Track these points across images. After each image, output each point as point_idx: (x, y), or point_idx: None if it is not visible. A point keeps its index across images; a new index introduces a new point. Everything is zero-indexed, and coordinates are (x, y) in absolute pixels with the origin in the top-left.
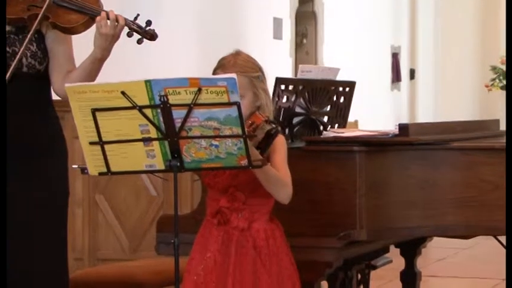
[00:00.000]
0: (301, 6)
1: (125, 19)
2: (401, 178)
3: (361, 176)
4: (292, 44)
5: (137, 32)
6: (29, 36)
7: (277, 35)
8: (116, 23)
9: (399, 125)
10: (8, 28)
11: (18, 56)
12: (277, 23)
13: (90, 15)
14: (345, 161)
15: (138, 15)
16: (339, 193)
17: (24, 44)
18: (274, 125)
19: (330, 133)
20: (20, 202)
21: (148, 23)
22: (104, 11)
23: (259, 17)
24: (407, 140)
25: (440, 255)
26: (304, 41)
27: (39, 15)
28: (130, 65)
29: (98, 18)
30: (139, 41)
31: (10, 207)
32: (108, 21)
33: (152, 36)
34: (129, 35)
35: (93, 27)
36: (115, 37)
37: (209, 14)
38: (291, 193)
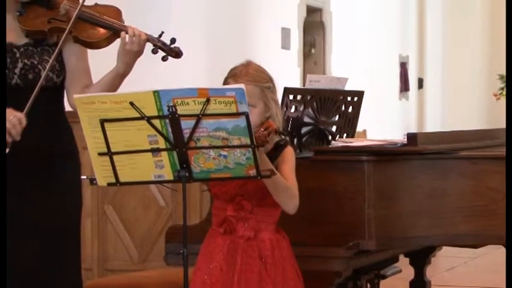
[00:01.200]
0: (309, 16)
1: (149, 36)
2: (410, 187)
3: (370, 186)
4: (300, 53)
5: (162, 49)
6: (56, 51)
7: (286, 45)
8: (140, 40)
9: (408, 134)
10: (26, 40)
11: (45, 72)
12: (286, 33)
13: (113, 30)
14: (354, 171)
15: (162, 32)
16: (347, 203)
17: (52, 58)
18: (283, 136)
19: (339, 143)
20: (34, 212)
21: (173, 40)
22: (129, 27)
23: (267, 27)
24: (416, 150)
25: (450, 264)
26: (313, 50)
27: (66, 31)
28: (138, 75)
29: (122, 34)
30: (164, 58)
31: (24, 214)
32: (134, 37)
33: (177, 54)
34: (154, 51)
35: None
36: (139, 53)
37: (218, 24)
38: (298, 204)
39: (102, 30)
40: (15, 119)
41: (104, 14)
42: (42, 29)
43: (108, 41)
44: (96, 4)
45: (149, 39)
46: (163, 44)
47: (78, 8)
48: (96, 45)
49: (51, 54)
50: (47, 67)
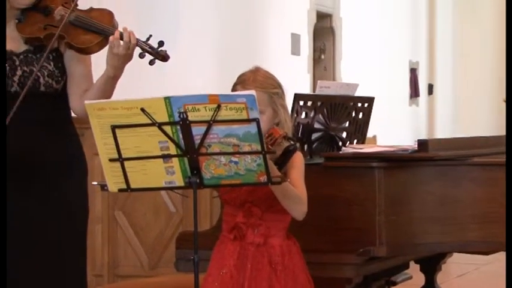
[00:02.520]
0: (319, 21)
1: (137, 39)
2: (421, 194)
3: (381, 192)
4: (310, 59)
5: (149, 52)
6: (44, 55)
7: (295, 50)
8: (128, 43)
9: (418, 140)
10: (26, 47)
11: (33, 76)
12: (295, 38)
13: (104, 35)
14: (364, 177)
15: (150, 36)
16: (358, 209)
17: (40, 64)
18: (292, 142)
19: (349, 149)
20: (37, 223)
21: (161, 43)
22: (117, 30)
23: (277, 33)
24: (427, 156)
25: (461, 271)
26: (322, 56)
27: (55, 35)
28: (148, 82)
29: (111, 38)
30: (151, 62)
31: (26, 227)
32: (121, 41)
33: (164, 57)
34: (141, 56)
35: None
36: (127, 57)
37: (227, 30)
38: (306, 210)
39: (93, 36)
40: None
41: (97, 18)
42: (38, 36)
43: (100, 45)
44: (91, 8)
45: (137, 43)
46: (151, 47)
47: (67, 14)
48: (88, 50)
49: (51, 61)
50: (35, 70)
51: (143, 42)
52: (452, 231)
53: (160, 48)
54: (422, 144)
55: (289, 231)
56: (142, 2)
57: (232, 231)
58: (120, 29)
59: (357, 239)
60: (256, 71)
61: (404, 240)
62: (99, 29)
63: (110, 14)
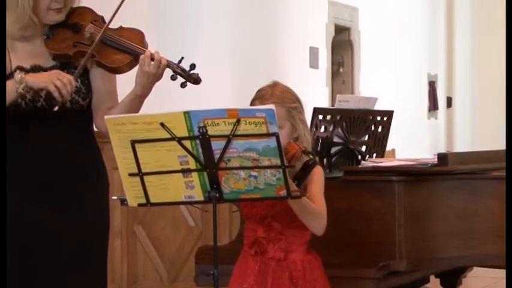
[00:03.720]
0: (337, 35)
1: (169, 61)
2: (440, 208)
3: (400, 206)
4: (328, 73)
5: (181, 75)
6: (75, 73)
7: (314, 64)
8: (159, 63)
9: (438, 154)
10: (53, 63)
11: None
12: (314, 52)
13: (134, 55)
14: (384, 191)
15: (182, 58)
16: (378, 223)
17: (74, 78)
18: (311, 156)
19: (369, 163)
20: (60, 236)
21: (192, 66)
22: (148, 50)
23: (295, 46)
24: (447, 170)
25: (480, 285)
26: (341, 69)
27: (87, 54)
28: (167, 96)
29: (141, 56)
30: (182, 85)
31: (50, 240)
32: (152, 61)
33: (195, 80)
34: (173, 78)
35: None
36: (157, 76)
37: (245, 43)
38: (325, 225)
39: (124, 56)
40: (65, 79)
41: (128, 37)
42: (67, 53)
43: (130, 66)
44: (121, 27)
45: (169, 65)
46: (183, 70)
47: (100, 33)
48: (118, 70)
49: (78, 77)
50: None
51: (175, 64)
52: (472, 245)
53: (192, 71)
54: (442, 158)
55: (309, 246)
56: (162, 17)
57: (253, 246)
58: (151, 50)
59: (377, 253)
60: (274, 85)
61: (424, 254)
62: (130, 49)
63: (140, 34)
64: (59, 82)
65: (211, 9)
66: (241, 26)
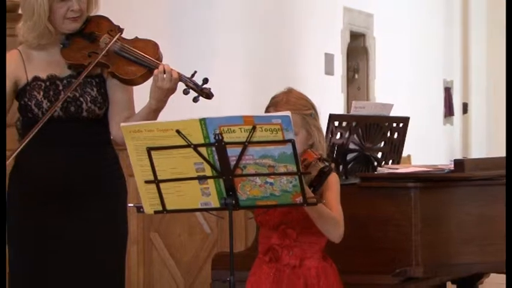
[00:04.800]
0: (352, 41)
1: (181, 75)
2: (457, 214)
3: (417, 212)
4: (344, 79)
5: (193, 89)
6: (79, 80)
7: (329, 70)
8: (172, 78)
9: (455, 160)
10: (69, 72)
11: (60, 102)
12: (329, 58)
13: (148, 68)
14: (400, 197)
15: (195, 72)
16: (394, 229)
17: (69, 90)
18: (327, 163)
19: (385, 169)
20: (80, 245)
21: (205, 80)
22: (161, 64)
23: (310, 53)
24: (463, 176)
25: None
26: (356, 76)
27: (95, 61)
28: (181, 105)
29: (155, 71)
30: (195, 99)
31: (70, 248)
32: (165, 75)
33: (208, 95)
34: (185, 92)
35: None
36: (170, 90)
37: (260, 50)
38: (343, 232)
39: (137, 68)
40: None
41: (142, 48)
42: (82, 63)
43: (144, 78)
44: (136, 38)
45: (181, 78)
46: (195, 84)
47: (111, 43)
48: (131, 82)
49: (94, 86)
50: (66, 94)
51: (187, 78)
52: (489, 251)
53: (204, 86)
54: (458, 164)
55: (325, 252)
56: (175, 25)
57: (268, 253)
58: (165, 62)
59: (393, 259)
60: (289, 92)
61: (441, 260)
62: (143, 61)
63: (155, 46)
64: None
65: (226, 17)
66: (256, 32)
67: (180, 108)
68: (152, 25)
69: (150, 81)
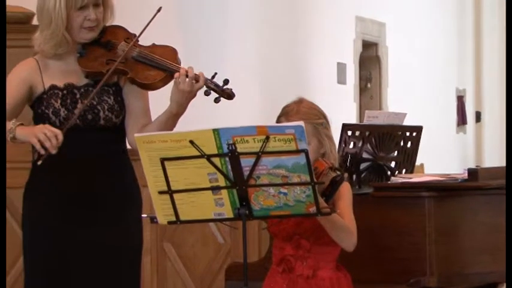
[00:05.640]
0: (365, 50)
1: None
2: (471, 223)
3: (431, 222)
4: (356, 88)
5: (215, 90)
6: (97, 89)
7: (341, 79)
8: (194, 81)
9: (468, 169)
10: (87, 81)
11: (80, 110)
12: (341, 67)
13: (168, 71)
14: (414, 207)
15: (215, 73)
16: (408, 239)
17: (89, 97)
18: (339, 172)
19: (398, 179)
20: (99, 256)
21: (226, 81)
22: (183, 67)
23: (323, 62)
24: (477, 185)
25: None
26: (369, 85)
27: (114, 66)
28: (194, 115)
29: (176, 74)
30: (216, 100)
31: (89, 259)
32: (187, 78)
33: (229, 95)
34: (207, 93)
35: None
36: (192, 94)
37: (273, 59)
38: (356, 241)
39: (157, 72)
40: (50, 132)
41: (161, 54)
42: (101, 71)
43: (164, 82)
44: (153, 44)
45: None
46: (216, 85)
47: (128, 48)
48: (151, 86)
49: (111, 95)
50: (84, 103)
51: (209, 80)
52: (502, 260)
53: (225, 86)
54: (472, 173)
55: (338, 262)
56: (188, 33)
57: (281, 263)
58: (184, 66)
59: (407, 269)
60: (300, 102)
61: (455, 270)
62: (163, 65)
63: (173, 51)
64: (42, 135)
65: (239, 26)
66: (268, 42)
67: (192, 116)
68: (166, 34)
69: (167, 88)
